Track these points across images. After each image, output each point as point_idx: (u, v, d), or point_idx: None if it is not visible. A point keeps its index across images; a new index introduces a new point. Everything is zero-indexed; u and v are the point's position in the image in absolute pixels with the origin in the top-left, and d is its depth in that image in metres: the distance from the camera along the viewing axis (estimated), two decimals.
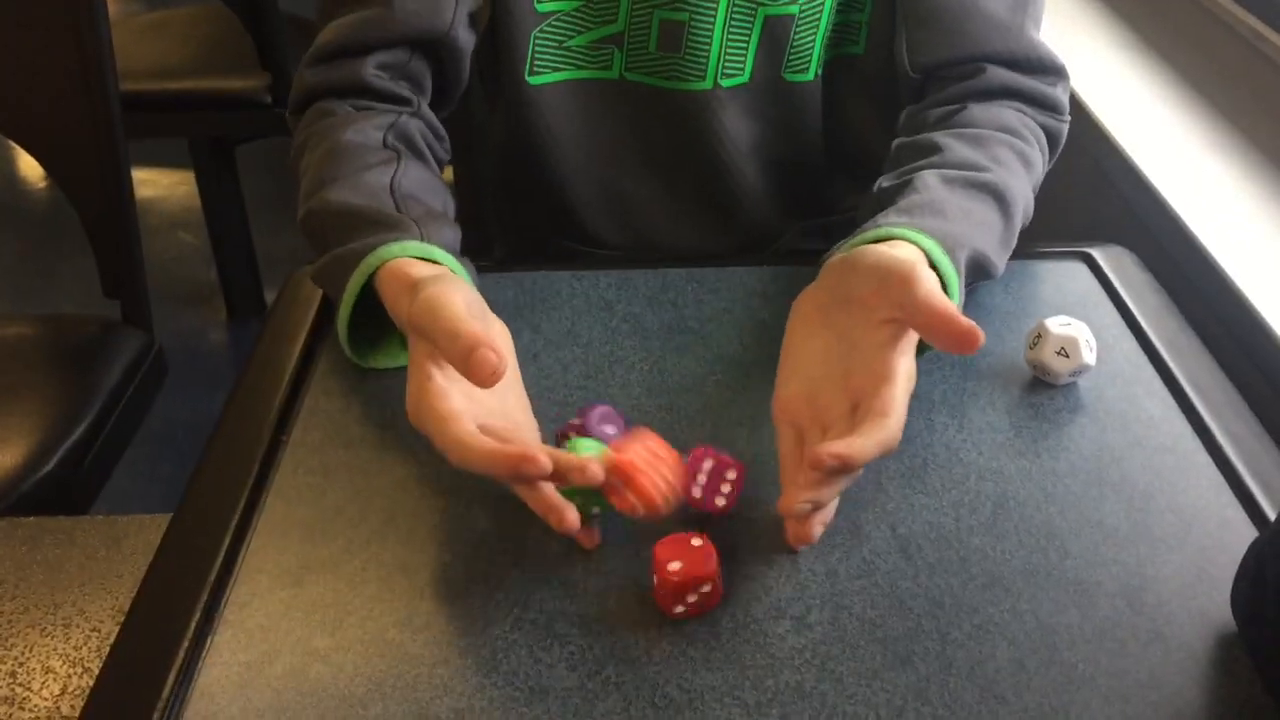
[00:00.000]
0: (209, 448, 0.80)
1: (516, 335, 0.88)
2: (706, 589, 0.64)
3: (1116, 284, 0.93)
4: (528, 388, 0.83)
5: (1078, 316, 0.82)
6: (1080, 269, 0.96)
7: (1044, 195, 0.95)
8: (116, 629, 0.70)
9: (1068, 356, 0.80)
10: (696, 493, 0.70)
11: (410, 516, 0.73)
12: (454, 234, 0.86)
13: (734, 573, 0.69)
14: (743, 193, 1.06)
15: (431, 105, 0.99)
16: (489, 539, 0.71)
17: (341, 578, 0.69)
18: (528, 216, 1.12)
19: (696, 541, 0.65)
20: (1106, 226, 1.29)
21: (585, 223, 1.08)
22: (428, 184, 0.89)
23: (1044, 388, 0.82)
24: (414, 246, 0.80)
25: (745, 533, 0.71)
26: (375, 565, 0.70)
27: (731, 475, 0.71)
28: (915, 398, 0.80)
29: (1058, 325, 0.81)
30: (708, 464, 0.71)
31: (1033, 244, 0.95)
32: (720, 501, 0.71)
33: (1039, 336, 0.81)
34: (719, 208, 1.07)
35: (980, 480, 0.75)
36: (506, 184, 1.12)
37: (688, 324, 0.89)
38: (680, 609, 0.65)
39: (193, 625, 0.66)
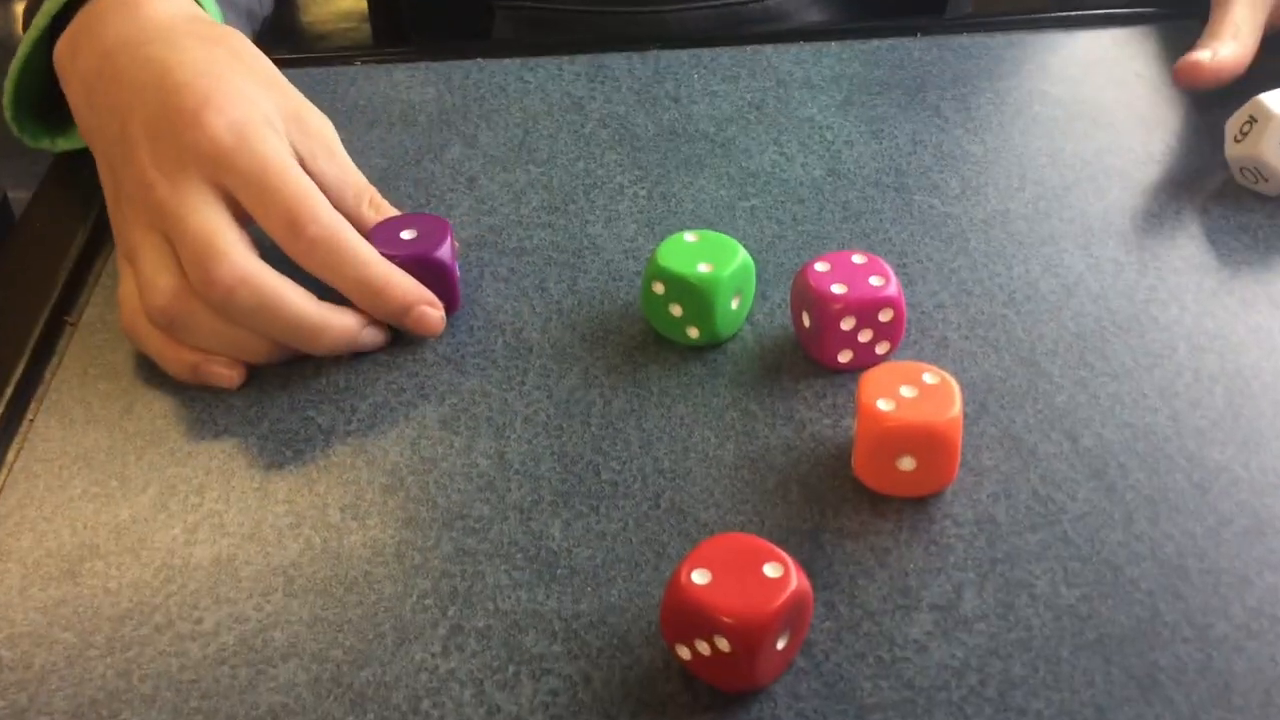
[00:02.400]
0: None
1: (444, 149, 0.58)
2: (782, 646, 0.36)
3: None
4: (460, 227, 0.54)
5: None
6: None
7: None
8: None
9: None
10: (845, 358, 0.46)
11: (267, 442, 0.44)
12: None
13: (826, 524, 0.40)
14: None
15: None
16: (399, 472, 0.42)
17: (148, 558, 0.40)
18: None
19: (773, 570, 0.35)
20: None
21: None
22: None
23: (1257, 200, 0.54)
24: None
25: (835, 456, 0.43)
26: (208, 533, 0.41)
27: (886, 316, 0.45)
28: (1055, 219, 0.52)
29: None
30: (848, 322, 0.45)
31: None
32: (882, 349, 0.46)
33: (1252, 121, 0.52)
34: None
35: (1196, 351, 0.46)
36: None
37: (698, 126, 0.59)
38: (688, 655, 0.36)
39: None
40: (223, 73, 0.47)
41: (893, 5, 0.82)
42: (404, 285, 0.46)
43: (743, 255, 0.46)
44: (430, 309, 0.46)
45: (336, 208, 0.47)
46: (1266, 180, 0.53)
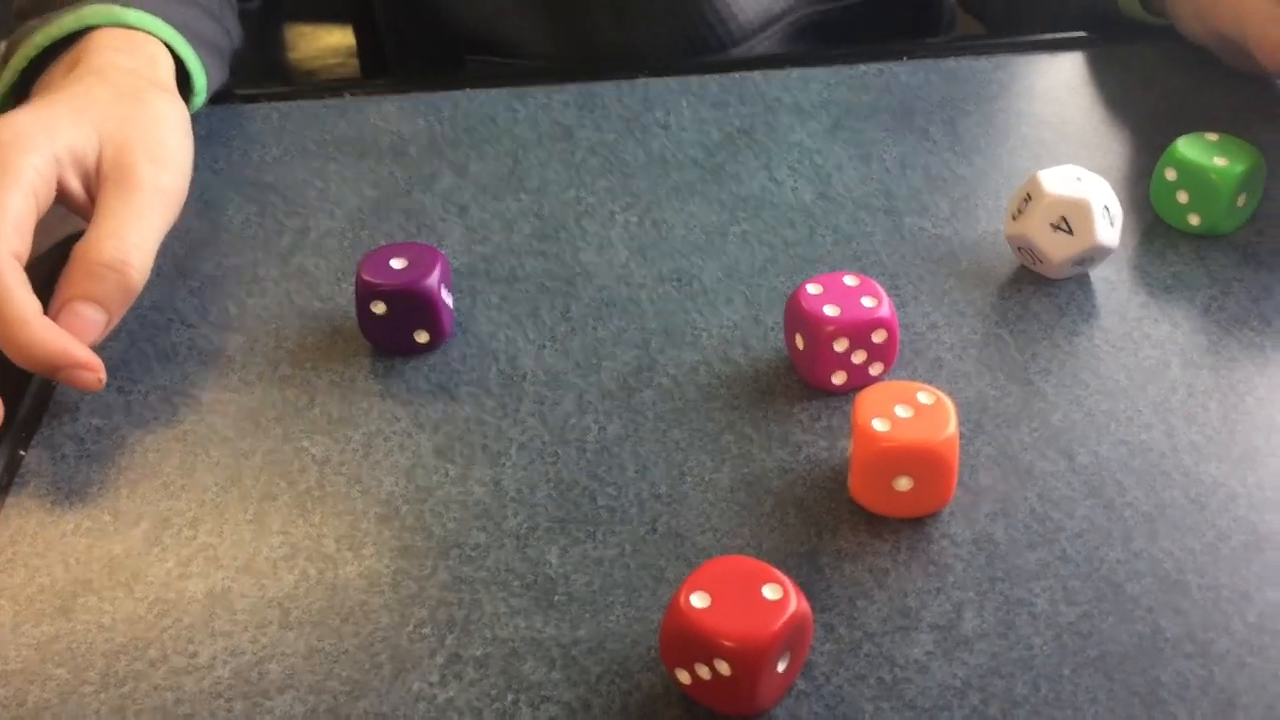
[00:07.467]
0: None
1: (435, 179, 0.58)
2: (782, 668, 0.36)
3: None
4: (452, 256, 0.54)
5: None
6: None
7: None
8: None
9: (1070, 233, 0.49)
10: (839, 380, 0.46)
11: (260, 474, 0.44)
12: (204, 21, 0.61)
13: (824, 546, 0.40)
14: None
15: None
16: (395, 501, 0.42)
17: (141, 592, 0.40)
18: (421, 24, 0.80)
19: (772, 592, 0.35)
20: None
21: (498, 21, 0.76)
22: None
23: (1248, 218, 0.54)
24: (98, 11, 0.55)
25: (831, 478, 0.43)
26: (202, 566, 0.41)
27: (880, 337, 0.45)
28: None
29: (1059, 182, 0.49)
30: (841, 344, 0.45)
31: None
32: (876, 370, 0.46)
33: (1028, 198, 0.49)
34: None
35: (1189, 367, 0.46)
36: None
37: (688, 153, 0.60)
38: (688, 680, 0.36)
39: None
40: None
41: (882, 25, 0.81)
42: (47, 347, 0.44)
43: (1258, 158, 0.51)
44: (83, 372, 0.44)
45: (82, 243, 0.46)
46: (1041, 262, 0.50)
